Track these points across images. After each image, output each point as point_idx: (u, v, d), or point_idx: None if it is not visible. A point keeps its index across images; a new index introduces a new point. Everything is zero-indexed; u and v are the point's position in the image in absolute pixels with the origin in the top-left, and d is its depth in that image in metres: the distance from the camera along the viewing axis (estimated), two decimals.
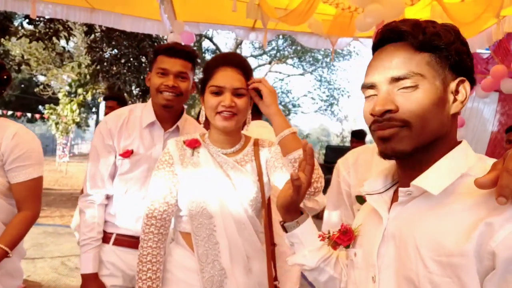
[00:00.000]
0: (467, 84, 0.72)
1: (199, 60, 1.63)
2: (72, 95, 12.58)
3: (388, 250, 0.73)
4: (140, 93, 9.32)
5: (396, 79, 0.70)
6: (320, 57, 16.90)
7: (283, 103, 17.15)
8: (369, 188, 0.81)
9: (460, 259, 0.61)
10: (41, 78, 17.29)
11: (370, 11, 2.91)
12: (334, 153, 8.27)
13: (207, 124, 1.38)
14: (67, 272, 3.97)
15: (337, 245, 0.85)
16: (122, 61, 8.79)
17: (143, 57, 8.81)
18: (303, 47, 15.07)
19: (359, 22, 3.01)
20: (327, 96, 18.34)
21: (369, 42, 4.00)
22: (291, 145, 1.21)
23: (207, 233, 1.26)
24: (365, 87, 0.76)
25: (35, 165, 1.49)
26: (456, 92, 0.71)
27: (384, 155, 0.73)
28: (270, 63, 16.97)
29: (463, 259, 0.60)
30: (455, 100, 0.71)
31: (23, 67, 10.02)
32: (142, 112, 1.65)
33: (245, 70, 1.29)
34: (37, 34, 7.59)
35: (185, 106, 1.76)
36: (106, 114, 3.60)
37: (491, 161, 0.70)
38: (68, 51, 11.96)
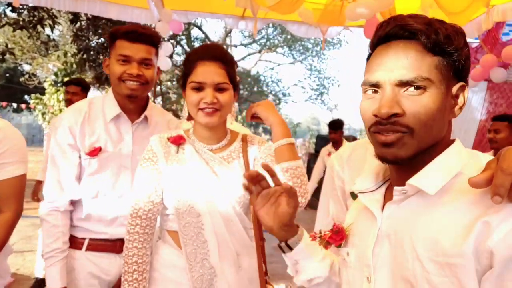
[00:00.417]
0: (466, 89, 0.71)
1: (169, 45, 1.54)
2: (59, 85, 12.33)
3: (383, 250, 0.72)
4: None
5: (404, 83, 0.67)
6: (310, 46, 16.83)
7: (273, 92, 17.11)
8: (360, 186, 0.80)
9: (458, 259, 0.60)
10: (26, 67, 16.90)
11: (361, 1, 2.88)
12: (324, 142, 8.26)
13: (191, 117, 1.34)
14: None
15: (328, 245, 0.84)
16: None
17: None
18: (293, 36, 14.97)
19: (350, 11, 2.99)
20: (317, 85, 18.33)
21: (360, 31, 3.98)
22: (285, 155, 1.20)
23: (195, 232, 1.24)
24: (368, 84, 0.71)
25: (18, 163, 1.41)
26: (456, 97, 0.70)
27: (384, 159, 0.71)
28: (260, 52, 16.84)
29: (461, 259, 0.60)
30: (454, 105, 0.71)
31: (7, 56, 9.77)
32: (104, 104, 1.53)
33: (227, 62, 1.24)
34: (21, 23, 7.37)
35: (157, 99, 1.68)
36: (68, 101, 3.25)
37: (484, 157, 0.70)
38: (53, 39, 11.66)
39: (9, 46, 11.12)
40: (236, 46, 15.96)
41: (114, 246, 1.51)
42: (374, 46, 0.73)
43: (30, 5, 6.77)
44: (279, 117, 1.26)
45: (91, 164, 1.48)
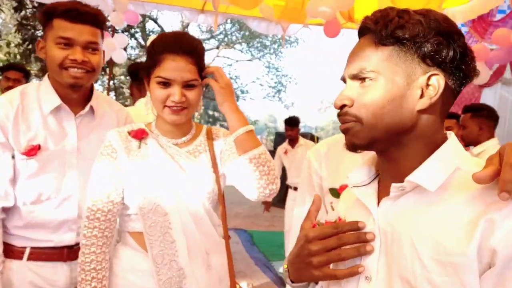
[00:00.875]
0: (440, 78, 0.66)
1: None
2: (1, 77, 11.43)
3: (380, 248, 0.70)
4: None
5: (354, 76, 0.70)
6: (268, 43, 16.92)
7: None
8: (354, 180, 0.77)
9: (462, 258, 0.59)
10: None
11: (323, 1, 2.91)
12: (283, 139, 8.37)
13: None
14: None
15: None
16: None
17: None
18: (251, 33, 14.96)
19: (311, 8, 3.01)
20: (275, 82, 18.50)
21: (319, 30, 4.03)
22: (246, 145, 1.14)
23: (162, 232, 1.16)
24: (341, 79, 0.76)
25: None
26: (428, 86, 0.67)
27: (347, 147, 0.73)
28: (218, 48, 16.68)
29: (465, 258, 0.58)
30: (422, 95, 0.67)
31: None
32: (39, 93, 1.33)
33: (197, 55, 1.15)
34: None
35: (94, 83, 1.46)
36: (4, 90, 2.87)
37: (468, 153, 0.70)
38: None
39: None
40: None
41: (61, 254, 1.34)
42: None
43: None
44: (235, 104, 1.18)
45: (30, 165, 1.27)
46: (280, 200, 4.79)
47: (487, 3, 3.09)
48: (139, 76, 2.49)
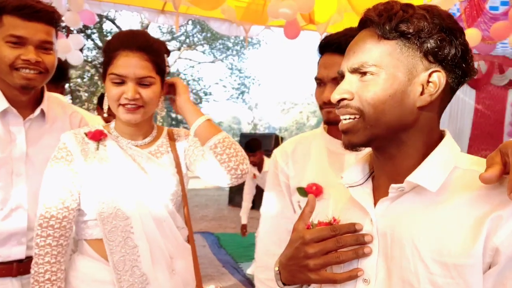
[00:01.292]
0: (441, 75, 0.65)
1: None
2: None
3: (379, 250, 0.68)
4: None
5: (355, 69, 0.68)
6: (230, 45, 16.89)
7: (194, 91, 16.82)
8: (349, 179, 0.75)
9: (467, 260, 0.58)
10: None
11: (284, 3, 2.95)
12: (247, 140, 8.39)
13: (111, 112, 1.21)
14: None
15: None
16: None
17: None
18: (213, 34, 14.86)
19: (272, 9, 3.03)
20: (238, 84, 18.50)
21: (281, 31, 4.07)
22: (207, 133, 1.15)
23: (123, 237, 1.11)
24: (338, 73, 0.73)
25: None
26: (428, 83, 0.66)
27: (345, 146, 0.71)
28: (179, 49, 16.44)
29: (470, 260, 0.58)
30: (423, 92, 0.66)
31: None
32: None
33: (153, 52, 1.12)
34: None
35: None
36: None
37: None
38: None
39: None
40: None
41: (10, 269, 1.23)
42: None
43: None
44: (189, 102, 1.21)
45: None
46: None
47: None
48: None
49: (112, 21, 13.68)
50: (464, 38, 0.67)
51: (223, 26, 4.51)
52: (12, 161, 1.23)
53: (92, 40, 13.19)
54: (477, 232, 0.58)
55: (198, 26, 15.08)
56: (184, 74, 16.54)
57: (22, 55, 1.17)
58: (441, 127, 0.72)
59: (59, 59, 1.29)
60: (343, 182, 0.76)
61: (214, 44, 16.50)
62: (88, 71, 13.73)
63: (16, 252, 1.24)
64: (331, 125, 1.14)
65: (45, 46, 1.22)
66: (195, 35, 16.11)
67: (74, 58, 3.95)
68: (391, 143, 0.69)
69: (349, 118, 0.69)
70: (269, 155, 1.61)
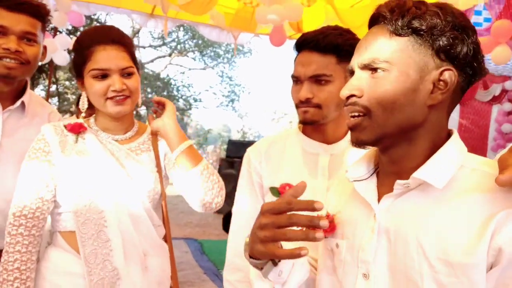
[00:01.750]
0: (453, 74, 0.64)
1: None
2: None
3: (381, 245, 0.67)
4: None
5: (365, 66, 0.67)
6: (221, 52, 16.92)
7: (184, 97, 16.78)
8: (354, 174, 0.74)
9: (472, 259, 0.57)
10: None
11: (272, 9, 2.97)
12: (235, 148, 8.36)
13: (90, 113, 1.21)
14: None
15: None
16: None
17: None
18: (204, 41, 14.89)
19: (260, 14, 3.05)
20: (229, 92, 18.51)
21: (269, 40, 4.10)
22: (189, 162, 1.15)
23: (95, 230, 1.11)
24: (348, 70, 0.72)
25: None
26: (439, 81, 0.64)
27: (353, 143, 0.70)
28: (170, 55, 16.42)
29: (475, 259, 0.57)
30: (433, 90, 0.65)
31: None
32: None
33: (128, 45, 1.15)
34: None
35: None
36: None
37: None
38: None
39: None
40: (144, 47, 15.29)
41: None
42: None
43: None
44: (176, 123, 1.19)
45: None
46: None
47: None
48: None
49: (102, 24, 13.62)
50: (476, 38, 0.66)
51: (213, 32, 4.53)
52: None
53: None
54: (482, 231, 0.57)
55: (189, 33, 15.11)
56: (174, 80, 16.49)
57: (3, 44, 1.18)
58: None
59: None
60: (348, 176, 0.74)
61: (205, 51, 16.53)
62: None
63: None
64: (307, 125, 1.13)
65: (28, 37, 1.23)
66: (186, 42, 16.13)
67: (60, 58, 3.91)
68: (399, 142, 0.68)
69: (356, 116, 0.68)
70: None
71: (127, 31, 14.58)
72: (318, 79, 1.05)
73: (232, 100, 18.98)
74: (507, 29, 3.14)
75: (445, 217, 0.62)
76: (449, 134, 0.69)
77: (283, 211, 0.65)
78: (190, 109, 16.82)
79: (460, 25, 0.64)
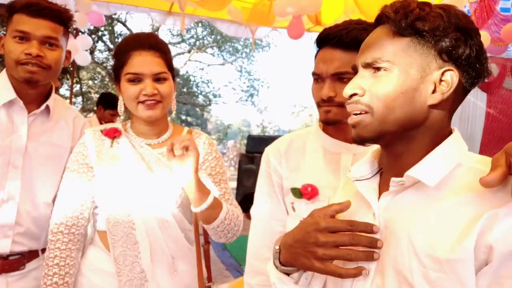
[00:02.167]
0: (454, 74, 0.65)
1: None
2: None
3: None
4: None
5: (368, 64, 0.69)
6: (240, 47, 16.91)
7: (203, 93, 16.89)
8: (356, 173, 0.76)
9: (458, 255, 0.58)
10: None
11: (290, 1, 2.92)
12: (255, 143, 8.34)
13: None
14: None
15: None
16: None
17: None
18: (222, 37, 14.90)
19: (278, 7, 3.01)
20: (248, 86, 18.49)
21: (287, 33, 4.05)
22: (211, 216, 1.16)
23: (124, 232, 1.14)
24: (352, 68, 0.75)
25: None
26: (441, 81, 0.66)
27: (354, 140, 0.72)
28: (189, 51, 16.54)
29: (461, 255, 0.58)
30: (435, 90, 0.66)
31: None
32: None
33: (163, 50, 1.18)
34: None
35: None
36: None
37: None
38: None
39: None
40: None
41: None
42: None
43: None
44: (196, 180, 1.11)
45: None
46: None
47: None
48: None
49: (123, 23, 13.83)
50: (479, 39, 0.67)
51: (230, 28, 4.51)
52: (11, 152, 1.25)
53: (103, 42, 13.35)
54: (470, 228, 0.58)
55: (207, 29, 15.15)
56: (194, 76, 16.60)
57: (26, 49, 1.21)
58: None
59: None
60: (350, 175, 0.77)
61: (223, 46, 16.55)
62: (99, 73, 13.87)
63: (3, 245, 1.23)
64: (329, 125, 1.07)
65: (49, 42, 1.24)
66: (205, 38, 16.18)
67: (82, 59, 3.99)
68: (400, 140, 0.69)
69: (358, 113, 0.70)
70: None
71: (147, 29, 14.77)
72: (340, 77, 1.01)
73: (251, 95, 18.95)
74: None
75: (436, 214, 0.63)
76: (450, 133, 0.70)
77: (343, 230, 0.67)
78: (209, 104, 16.93)
79: (463, 27, 0.65)
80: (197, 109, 16.89)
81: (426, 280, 0.61)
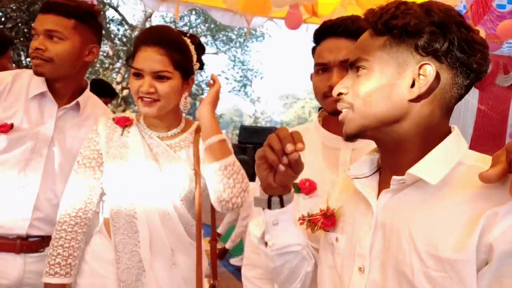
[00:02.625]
0: (431, 68, 0.66)
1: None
2: None
3: (377, 241, 0.70)
4: (31, 63, 8.19)
5: (352, 64, 0.73)
6: (234, 37, 16.76)
7: (196, 82, 16.77)
8: (355, 171, 0.76)
9: (460, 255, 0.58)
10: None
11: None
12: (247, 133, 8.34)
13: None
14: None
15: (316, 229, 0.80)
16: (9, 25, 7.59)
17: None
18: (216, 26, 14.75)
19: None
20: (241, 76, 18.40)
21: (283, 23, 4.01)
22: (215, 154, 1.12)
23: (126, 220, 1.15)
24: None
25: None
26: (419, 76, 0.67)
27: (343, 137, 0.75)
28: None
29: (463, 255, 0.58)
30: (413, 85, 0.67)
31: None
32: (31, 79, 1.35)
33: (171, 47, 1.14)
34: None
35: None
36: None
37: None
38: None
39: None
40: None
41: (13, 245, 1.29)
42: None
43: None
44: (210, 114, 1.16)
45: None
46: None
47: None
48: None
49: (115, 8, 13.58)
50: (464, 32, 0.66)
51: (225, 16, 4.44)
52: (37, 140, 1.31)
53: None
54: (472, 228, 0.58)
55: (201, 17, 14.98)
56: None
57: (33, 44, 1.27)
58: None
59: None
60: (348, 173, 0.77)
61: (217, 35, 16.40)
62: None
63: (19, 226, 1.29)
64: (338, 115, 1.08)
65: (51, 35, 1.27)
66: (198, 26, 16.00)
67: None
68: (387, 136, 0.71)
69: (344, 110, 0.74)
70: None
71: (140, 15, 14.52)
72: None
73: (245, 85, 18.88)
74: None
75: (437, 213, 0.63)
76: (449, 132, 0.71)
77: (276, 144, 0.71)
78: (202, 94, 16.81)
79: (441, 21, 0.66)
80: (190, 98, 16.80)
81: (427, 279, 0.61)
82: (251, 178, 1.28)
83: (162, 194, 1.16)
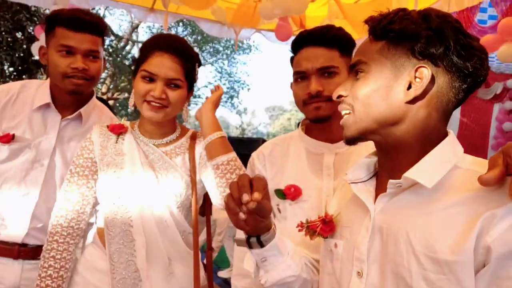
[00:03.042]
0: (427, 71, 0.67)
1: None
2: None
3: (374, 244, 0.70)
4: (14, 72, 8.02)
5: (351, 68, 0.75)
6: (221, 48, 16.87)
7: None
8: (352, 176, 0.77)
9: (458, 257, 0.59)
10: None
11: (277, 3, 2.91)
12: (233, 145, 8.25)
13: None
14: None
15: (315, 235, 0.80)
16: None
17: (19, 32, 7.59)
18: (203, 37, 14.82)
19: (264, 9, 3.00)
20: (228, 88, 18.46)
21: (271, 35, 4.05)
22: (217, 150, 1.12)
23: (122, 228, 1.12)
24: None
25: None
26: (415, 79, 0.69)
27: (344, 142, 0.76)
28: None
29: (461, 257, 0.58)
30: (409, 87, 0.69)
31: None
32: (37, 91, 1.38)
33: (187, 58, 1.15)
34: None
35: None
36: None
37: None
38: None
39: None
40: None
41: (11, 251, 1.30)
42: None
43: None
44: (212, 112, 1.19)
45: (0, 151, 1.31)
46: None
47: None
48: None
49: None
50: (461, 38, 0.68)
51: (213, 28, 4.46)
52: (38, 151, 1.33)
53: None
54: (469, 230, 0.59)
55: (188, 28, 15.03)
56: None
57: (72, 64, 1.29)
58: None
59: None
60: (346, 178, 0.78)
61: (204, 47, 16.45)
62: None
63: (15, 234, 1.30)
64: (320, 122, 1.08)
65: (92, 55, 1.33)
66: (185, 37, 16.03)
67: None
68: (385, 139, 0.71)
69: (346, 114, 0.74)
70: None
71: (126, 26, 14.47)
72: (327, 71, 1.05)
73: (231, 97, 18.92)
74: None
75: (434, 216, 0.64)
76: (446, 135, 0.71)
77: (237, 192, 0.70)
78: (189, 105, 16.76)
79: (437, 26, 0.67)
80: None
81: (425, 282, 0.62)
82: None
83: (159, 201, 1.14)
